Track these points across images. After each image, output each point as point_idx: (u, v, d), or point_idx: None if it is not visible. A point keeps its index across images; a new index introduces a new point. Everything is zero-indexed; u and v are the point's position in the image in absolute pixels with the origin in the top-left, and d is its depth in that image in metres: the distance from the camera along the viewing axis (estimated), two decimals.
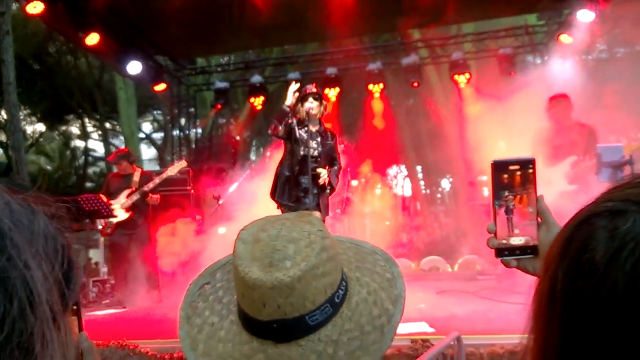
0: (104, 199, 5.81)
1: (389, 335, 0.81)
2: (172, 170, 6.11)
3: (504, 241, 0.87)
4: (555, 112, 5.10)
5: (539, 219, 0.86)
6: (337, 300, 0.82)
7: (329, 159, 4.87)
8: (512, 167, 0.85)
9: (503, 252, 0.87)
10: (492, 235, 0.88)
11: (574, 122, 5.00)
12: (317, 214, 4.61)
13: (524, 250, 0.86)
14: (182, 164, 6.23)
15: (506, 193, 0.85)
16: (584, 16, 7.34)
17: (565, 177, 4.71)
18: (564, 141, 4.88)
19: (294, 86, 4.80)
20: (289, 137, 4.75)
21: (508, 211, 0.86)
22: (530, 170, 0.86)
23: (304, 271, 0.77)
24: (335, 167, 4.86)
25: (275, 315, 0.77)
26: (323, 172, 4.69)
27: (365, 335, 0.81)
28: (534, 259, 0.87)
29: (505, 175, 0.85)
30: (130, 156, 6.44)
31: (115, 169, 6.49)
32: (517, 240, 0.86)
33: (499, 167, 0.86)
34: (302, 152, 4.63)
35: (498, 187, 0.86)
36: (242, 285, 0.79)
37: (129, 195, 5.98)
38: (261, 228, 0.84)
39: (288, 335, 0.78)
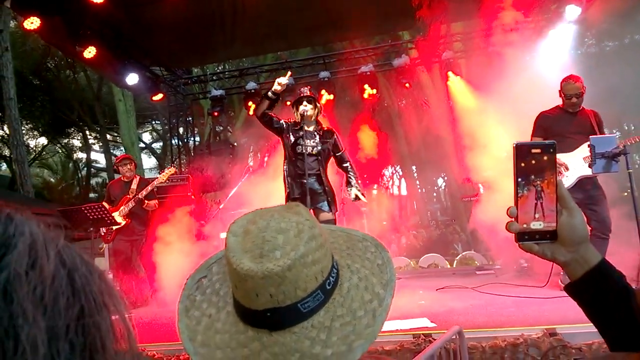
0: (107, 206, 5.96)
1: (380, 319, 0.81)
2: (162, 178, 6.26)
3: (525, 225, 0.86)
4: (572, 92, 4.74)
5: (559, 205, 0.86)
6: (328, 287, 0.83)
7: (338, 158, 4.91)
8: (534, 151, 0.84)
9: (523, 236, 0.86)
10: (512, 219, 0.86)
11: (580, 108, 4.83)
12: (327, 215, 4.69)
13: (543, 235, 0.86)
14: (170, 170, 6.38)
15: (531, 177, 0.84)
16: (571, 11, 7.47)
17: (585, 163, 4.70)
18: (574, 126, 4.77)
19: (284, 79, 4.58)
20: (280, 134, 4.82)
21: (537, 195, 0.84)
22: (552, 155, 0.85)
23: (293, 260, 0.78)
24: (351, 173, 4.89)
25: (268, 304, 0.79)
26: (353, 190, 4.79)
27: (358, 319, 0.82)
28: (552, 244, 0.87)
29: (528, 159, 0.84)
30: (134, 161, 6.60)
31: (120, 174, 6.60)
32: (537, 225, 0.85)
33: (521, 151, 0.85)
34: (298, 151, 4.69)
35: (521, 171, 0.84)
36: (235, 276, 0.81)
37: (126, 203, 6.12)
38: (251, 221, 0.87)
39: (282, 323, 0.80)
